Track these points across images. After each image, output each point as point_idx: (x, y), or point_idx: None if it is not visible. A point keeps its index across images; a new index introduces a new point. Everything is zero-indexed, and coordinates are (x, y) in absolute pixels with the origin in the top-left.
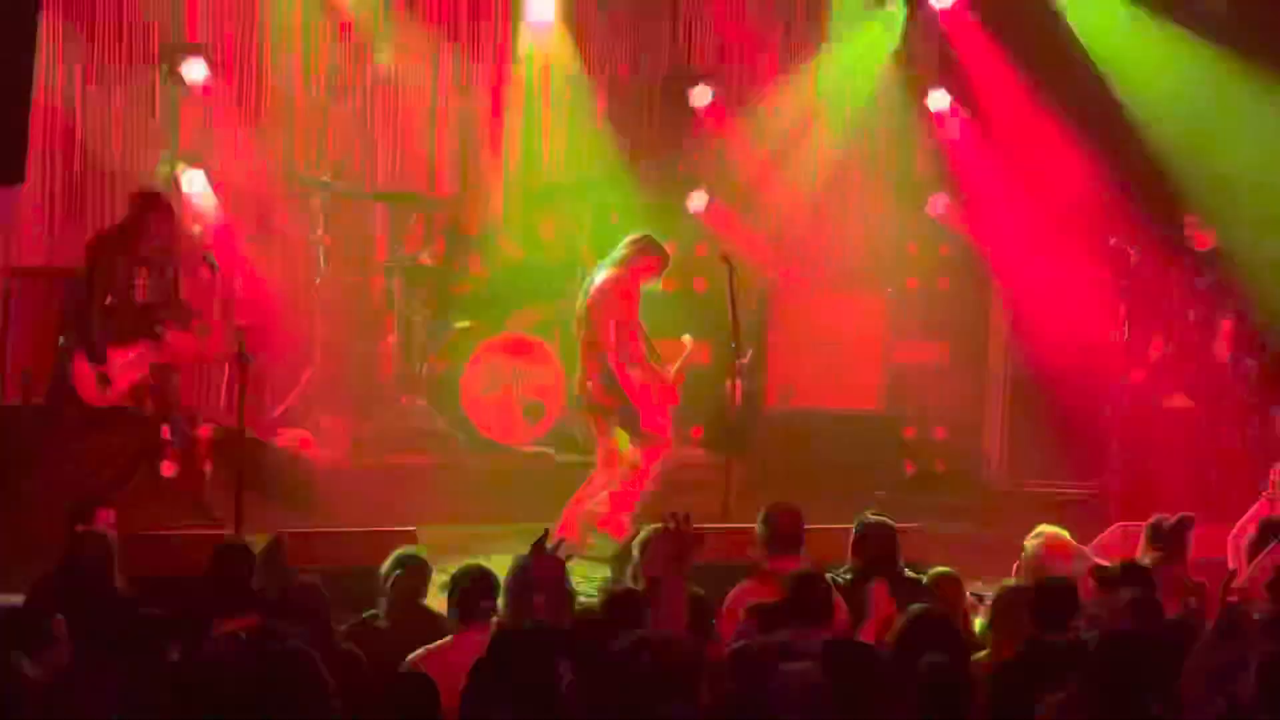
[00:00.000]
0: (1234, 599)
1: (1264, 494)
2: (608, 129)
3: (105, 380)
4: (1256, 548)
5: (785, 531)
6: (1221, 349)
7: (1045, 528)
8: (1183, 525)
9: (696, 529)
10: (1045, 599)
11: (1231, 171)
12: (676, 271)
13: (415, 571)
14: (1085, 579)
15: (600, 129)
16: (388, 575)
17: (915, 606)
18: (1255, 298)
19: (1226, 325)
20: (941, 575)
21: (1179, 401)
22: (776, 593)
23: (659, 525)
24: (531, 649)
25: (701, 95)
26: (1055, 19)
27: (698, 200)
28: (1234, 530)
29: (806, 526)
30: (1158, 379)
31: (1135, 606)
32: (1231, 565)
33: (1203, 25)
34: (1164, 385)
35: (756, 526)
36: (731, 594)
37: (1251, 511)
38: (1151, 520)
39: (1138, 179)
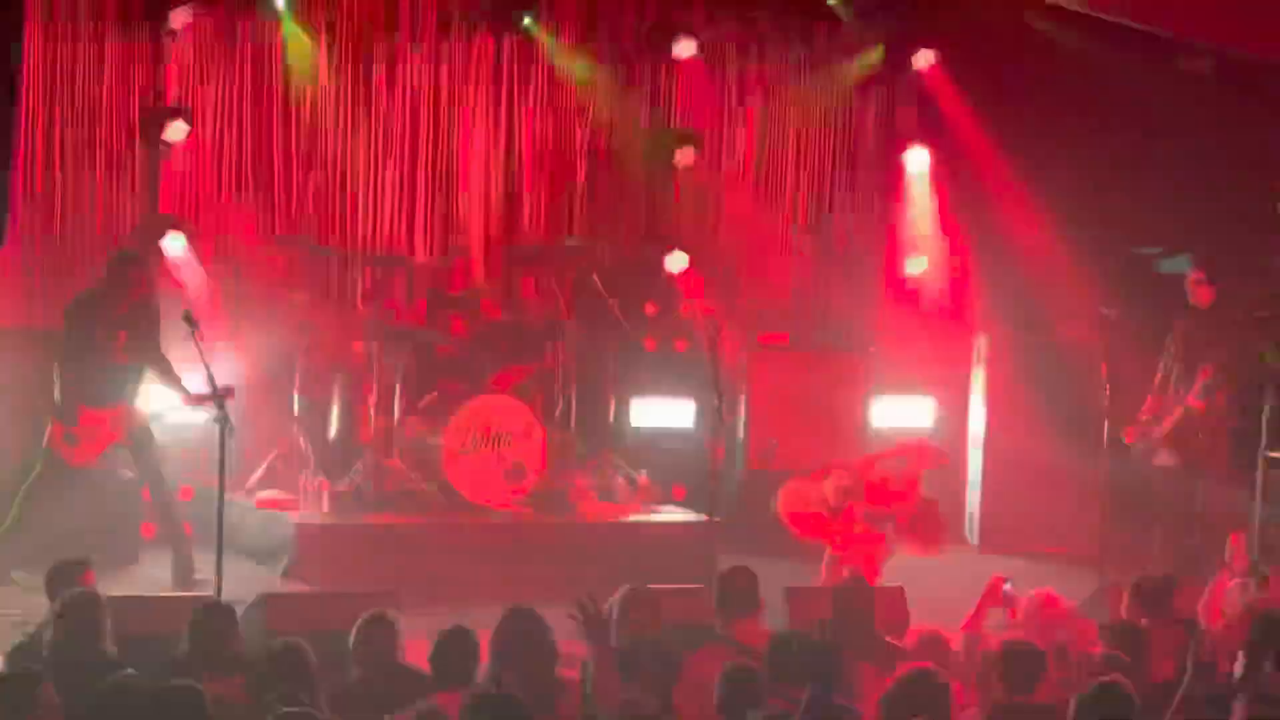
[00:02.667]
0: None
1: (1222, 564)
2: (588, 188)
3: (81, 441)
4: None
5: (739, 595)
6: (1196, 399)
7: (1044, 590)
8: (1167, 586)
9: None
10: (1013, 661)
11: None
12: (659, 331)
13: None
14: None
15: (581, 188)
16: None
17: (905, 670)
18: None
19: (1204, 372)
20: (923, 636)
21: (1165, 459)
22: (731, 658)
23: (631, 589)
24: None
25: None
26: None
27: (677, 261)
28: (1203, 599)
29: (789, 586)
30: (1148, 436)
31: (1113, 666)
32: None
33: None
34: (1152, 442)
35: (714, 591)
36: (685, 666)
37: (1214, 583)
38: (1134, 581)
39: (1125, 231)
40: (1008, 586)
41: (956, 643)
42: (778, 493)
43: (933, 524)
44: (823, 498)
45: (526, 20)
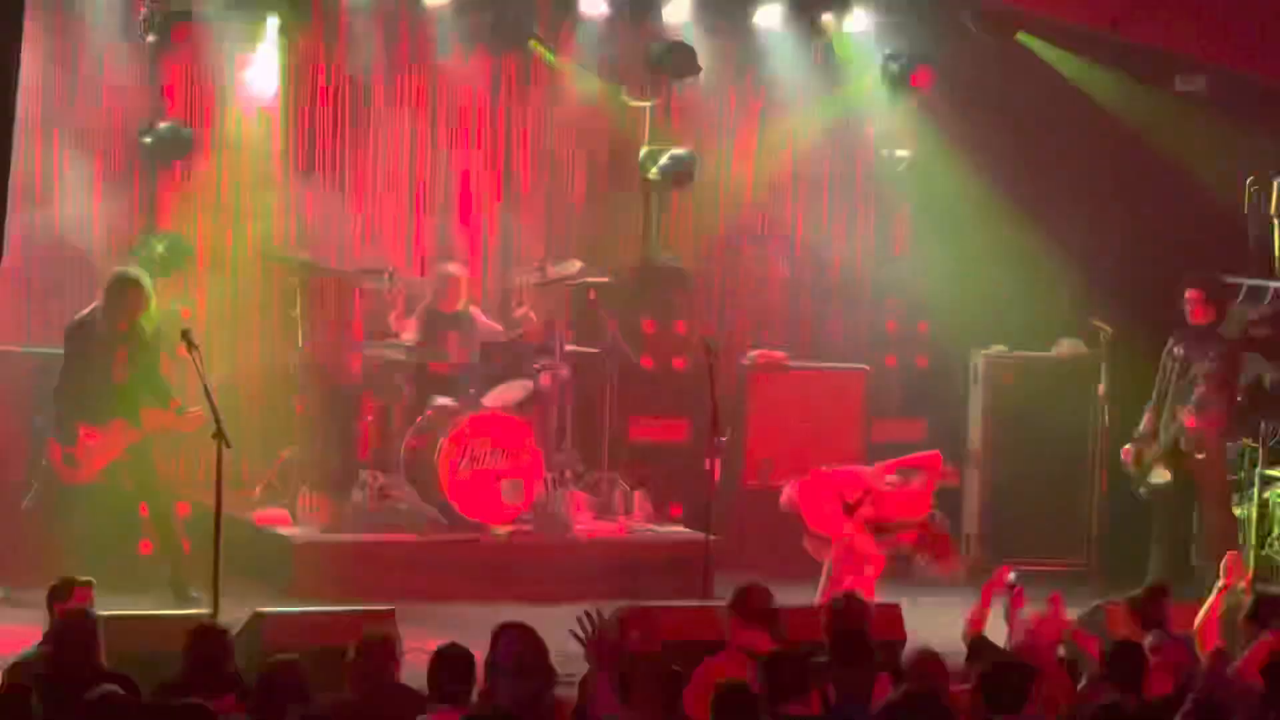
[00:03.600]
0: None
1: (1217, 587)
2: (585, 206)
3: (80, 460)
4: (1252, 627)
5: (753, 609)
6: (1191, 419)
7: (1039, 609)
8: (1159, 596)
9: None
10: (997, 681)
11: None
12: (656, 350)
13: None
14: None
15: (578, 206)
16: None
17: (900, 687)
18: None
19: (1201, 390)
20: (921, 654)
21: (1160, 476)
22: (743, 670)
23: (630, 606)
24: None
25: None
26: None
27: (673, 279)
28: (1197, 622)
29: (784, 605)
30: (1144, 455)
31: (1115, 684)
32: (1201, 653)
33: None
34: (1149, 460)
35: (725, 604)
36: (698, 670)
37: (1209, 604)
38: (1130, 598)
39: (1128, 249)
40: (1011, 576)
41: (952, 661)
42: (792, 482)
43: (944, 543)
44: (839, 493)
45: (529, 40)
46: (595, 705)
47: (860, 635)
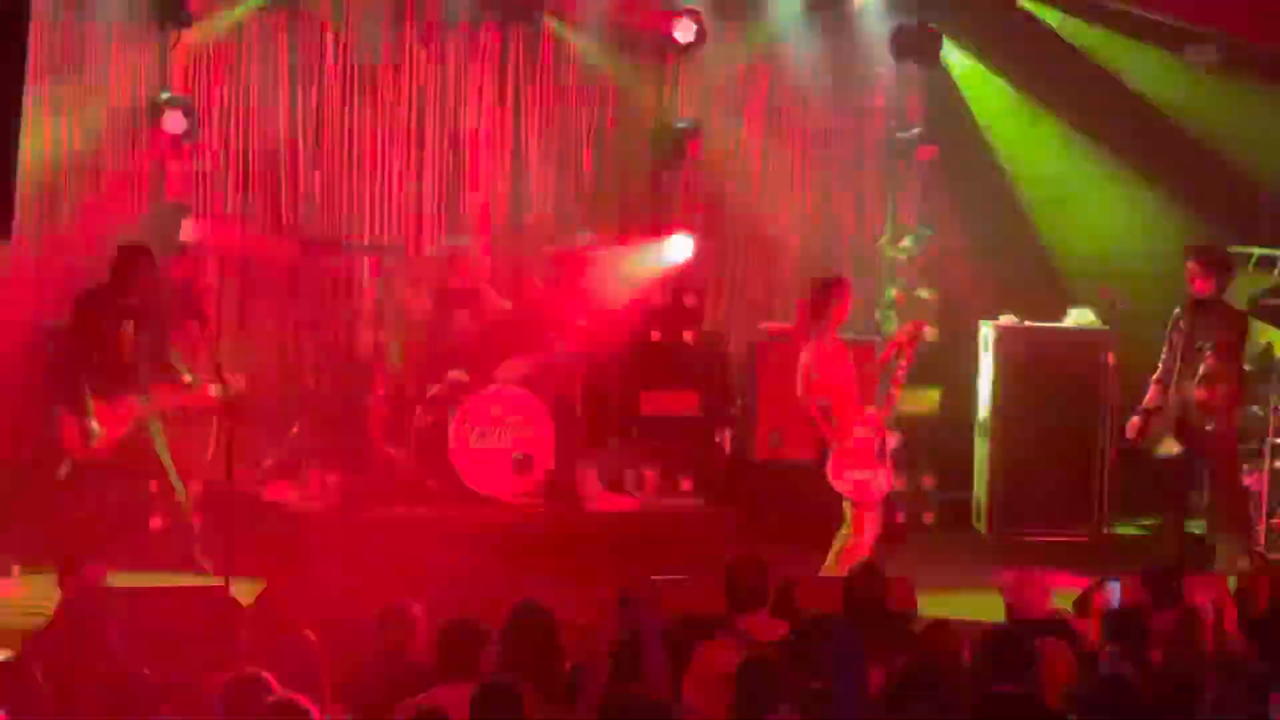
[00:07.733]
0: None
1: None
2: (595, 180)
3: (91, 434)
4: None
5: (748, 586)
6: (1199, 391)
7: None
8: (1175, 575)
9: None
10: (1001, 648)
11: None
12: (665, 323)
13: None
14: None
15: (587, 180)
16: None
17: (905, 658)
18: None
19: (1207, 361)
20: (931, 625)
21: (1169, 448)
22: (741, 650)
23: (641, 580)
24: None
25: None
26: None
27: (683, 250)
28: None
29: (796, 578)
30: (1150, 426)
31: (1122, 655)
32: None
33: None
34: (1157, 431)
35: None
36: (696, 657)
37: None
38: (1141, 570)
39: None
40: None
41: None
42: None
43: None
44: None
45: (534, 10)
46: (615, 673)
47: (879, 607)
